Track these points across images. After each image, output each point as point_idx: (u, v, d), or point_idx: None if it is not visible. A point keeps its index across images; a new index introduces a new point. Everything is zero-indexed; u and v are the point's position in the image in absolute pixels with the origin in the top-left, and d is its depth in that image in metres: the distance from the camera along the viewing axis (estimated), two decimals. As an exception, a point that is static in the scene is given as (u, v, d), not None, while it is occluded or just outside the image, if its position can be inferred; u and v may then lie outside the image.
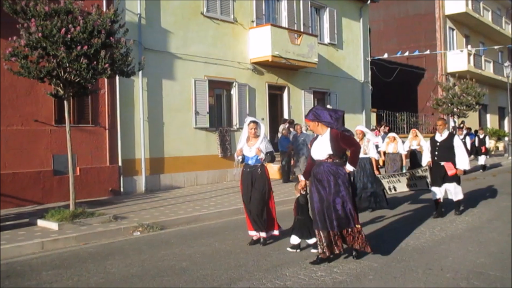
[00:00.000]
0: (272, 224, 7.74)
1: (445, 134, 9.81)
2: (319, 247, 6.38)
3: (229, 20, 17.32)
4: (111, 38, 9.71)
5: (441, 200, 9.72)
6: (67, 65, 9.15)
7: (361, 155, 9.64)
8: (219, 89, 17.26)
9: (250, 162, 7.69)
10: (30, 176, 11.80)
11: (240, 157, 7.73)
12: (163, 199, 12.58)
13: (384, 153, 13.85)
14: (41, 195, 11.92)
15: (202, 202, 12.04)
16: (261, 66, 18.35)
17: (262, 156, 7.55)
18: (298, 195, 7.09)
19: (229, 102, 17.50)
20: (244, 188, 7.75)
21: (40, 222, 9.17)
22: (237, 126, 17.20)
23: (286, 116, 19.25)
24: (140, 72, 12.74)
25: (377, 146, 13.36)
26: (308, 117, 6.52)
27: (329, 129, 6.41)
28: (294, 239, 7.06)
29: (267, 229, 7.61)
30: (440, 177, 9.64)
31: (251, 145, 7.66)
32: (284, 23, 19.45)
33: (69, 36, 9.04)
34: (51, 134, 12.22)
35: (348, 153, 6.55)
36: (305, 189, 7.00)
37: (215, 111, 17.05)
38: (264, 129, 7.95)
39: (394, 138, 13.71)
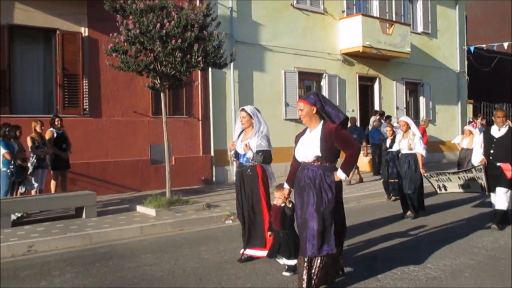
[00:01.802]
0: (259, 241, 6.18)
1: (504, 129, 7.95)
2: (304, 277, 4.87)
3: (319, 11, 17.20)
4: (204, 31, 9.98)
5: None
6: (163, 58, 9.54)
7: (406, 150, 9.08)
8: (309, 80, 17.23)
9: (241, 160, 6.35)
10: (130, 164, 12.45)
11: (232, 152, 6.43)
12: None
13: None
14: (139, 183, 12.55)
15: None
16: (352, 57, 18.08)
17: (249, 154, 6.11)
18: (281, 204, 5.69)
19: (319, 93, 17.38)
20: (236, 191, 6.48)
21: (139, 208, 9.66)
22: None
23: (377, 107, 18.84)
24: (232, 64, 13.00)
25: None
26: (307, 99, 4.99)
27: (322, 122, 4.96)
28: (288, 260, 5.67)
29: (249, 246, 6.26)
30: (497, 180, 7.88)
31: (245, 139, 6.27)
32: (375, 12, 19.01)
33: (164, 31, 9.41)
34: (148, 125, 12.81)
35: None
36: (289, 198, 5.60)
37: (305, 102, 16.99)
38: (262, 120, 6.27)
39: (470, 132, 12.58)
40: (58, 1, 11.51)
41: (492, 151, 7.95)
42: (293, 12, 16.43)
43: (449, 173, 8.97)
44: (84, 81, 11.94)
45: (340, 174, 4.83)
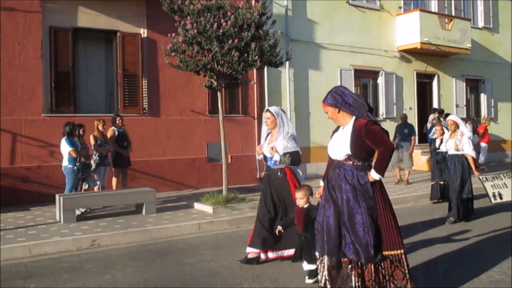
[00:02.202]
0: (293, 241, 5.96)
1: None
2: (319, 275, 4.71)
3: (375, 8, 16.96)
4: (259, 30, 10.05)
5: None
6: (220, 58, 9.67)
7: (453, 151, 8.56)
8: (365, 78, 17.03)
9: (269, 163, 6.15)
10: (187, 162, 12.69)
11: (261, 156, 6.28)
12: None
13: None
14: (196, 180, 12.77)
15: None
16: (409, 54, 17.72)
17: (276, 157, 5.95)
18: (306, 205, 5.46)
19: (375, 92, 17.18)
20: (261, 194, 6.32)
21: (197, 205, 9.83)
22: (384, 116, 16.85)
23: (435, 105, 18.38)
24: (287, 63, 13.01)
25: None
26: (326, 100, 4.62)
27: (353, 118, 4.54)
28: (308, 265, 5.35)
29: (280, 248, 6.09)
30: None
31: (272, 142, 6.09)
32: (434, 7, 18.55)
33: (221, 30, 9.53)
34: (205, 124, 13.01)
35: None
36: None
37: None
38: (290, 121, 6.11)
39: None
40: (118, 4, 11.88)
41: None
42: (349, 9, 16.27)
43: (504, 176, 8.18)
44: (143, 81, 12.27)
45: (373, 175, 4.43)
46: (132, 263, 6.34)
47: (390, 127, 16.87)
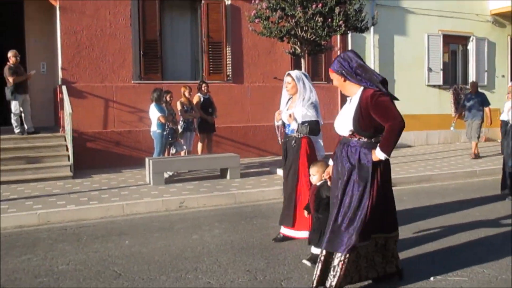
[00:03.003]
0: (287, 219, 5.60)
1: None
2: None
3: (468, -32, 16.05)
4: (345, -5, 9.83)
5: None
6: (304, 24, 9.56)
7: None
8: (454, 44, 16.25)
9: (287, 130, 5.74)
10: (270, 129, 12.74)
11: (280, 122, 5.86)
12: (393, 157, 12.41)
13: None
14: (278, 147, 12.78)
15: (434, 162, 11.66)
16: (503, 18, 16.66)
17: (294, 125, 5.47)
18: (319, 183, 4.85)
19: (465, 58, 16.39)
20: (282, 164, 5.98)
21: (279, 171, 9.90)
22: (474, 83, 16.06)
23: (531, 72, 17.29)
24: (372, 29, 12.65)
25: None
26: (332, 66, 4.17)
27: (361, 89, 4.04)
28: (314, 248, 4.85)
29: (288, 224, 5.63)
30: None
31: (291, 108, 5.61)
32: (533, -34, 17.27)
33: (304, -4, 9.41)
34: (288, 91, 12.98)
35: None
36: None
37: (450, 67, 16.14)
38: (313, 87, 5.59)
39: None
40: (203, -28, 11.99)
41: None
42: (438, -29, 15.49)
43: None
44: (227, 49, 12.39)
45: (378, 153, 3.93)
46: (218, 225, 6.54)
47: (480, 95, 16.14)
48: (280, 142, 6.02)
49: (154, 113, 9.46)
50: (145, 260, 5.10)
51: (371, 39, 14.14)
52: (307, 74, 5.72)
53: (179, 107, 10.14)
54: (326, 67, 13.48)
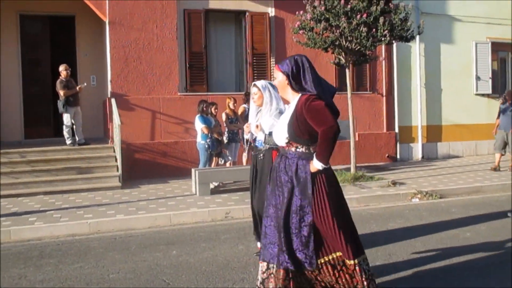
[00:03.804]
0: None
1: None
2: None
3: (517, -26, 15.64)
4: (389, 4, 9.77)
5: None
6: (348, 34, 9.55)
7: None
8: (503, 51, 15.81)
9: (256, 142, 5.39)
10: (314, 140, 12.75)
11: (248, 136, 5.54)
12: (441, 168, 12.26)
13: None
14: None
15: (483, 173, 11.36)
16: (555, 23, 16.17)
17: (260, 136, 5.19)
18: None
19: (515, 66, 15.96)
20: (249, 178, 5.64)
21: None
22: (525, 91, 15.61)
23: None
24: (417, 38, 12.50)
25: None
26: (282, 64, 3.91)
27: (300, 94, 3.82)
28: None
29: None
30: None
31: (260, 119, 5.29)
32: None
33: (349, 6, 9.41)
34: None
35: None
36: None
37: (499, 75, 15.73)
38: (279, 95, 5.10)
39: None
40: (247, -15, 12.15)
41: None
42: (486, -23, 15.17)
43: None
44: (271, 60, 12.47)
45: (315, 163, 3.68)
46: (264, 236, 6.55)
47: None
48: (246, 155, 5.92)
49: (198, 125, 9.62)
50: (192, 270, 5.18)
51: (416, 48, 13.94)
52: (273, 84, 5.13)
53: (224, 118, 10.26)
54: (371, 77, 13.40)
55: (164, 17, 11.47)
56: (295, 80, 3.79)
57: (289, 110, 3.87)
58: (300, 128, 3.73)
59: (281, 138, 3.88)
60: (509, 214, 7.18)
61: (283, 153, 3.91)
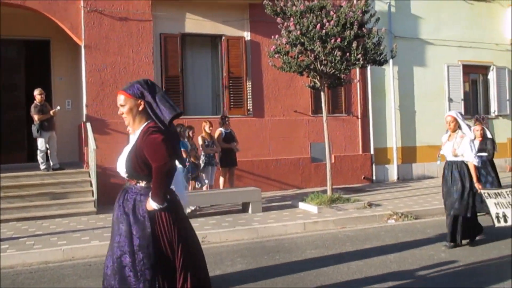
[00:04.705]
0: None
1: None
2: None
3: (485, -1, 16.12)
4: (363, 28, 9.94)
5: None
6: (323, 58, 9.69)
7: (451, 157, 6.78)
8: (474, 74, 16.22)
9: None
10: (291, 162, 12.82)
11: None
12: (416, 188, 12.40)
13: None
14: (300, 180, 12.86)
15: (457, 192, 11.51)
16: (523, 46, 16.64)
17: None
18: None
19: (486, 88, 16.31)
20: None
21: (301, 205, 9.92)
22: (496, 113, 15.98)
23: (554, 101, 17.10)
24: (391, 61, 12.75)
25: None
26: (131, 89, 3.56)
27: (146, 123, 3.56)
28: None
29: None
30: None
31: None
32: (552, -5, 17.26)
33: (324, 31, 9.55)
34: (308, 124, 13.07)
35: None
36: None
37: (471, 97, 16.09)
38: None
39: None
40: (223, 9, 12.28)
41: None
42: (456, 2, 15.55)
43: (508, 193, 6.52)
44: (247, 83, 12.56)
45: (151, 203, 3.42)
46: (241, 260, 6.53)
47: (502, 124, 16.04)
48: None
49: (176, 149, 9.57)
50: (168, 297, 5.11)
51: (390, 70, 14.20)
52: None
53: (200, 142, 10.26)
54: (346, 100, 13.58)
55: (140, 41, 11.50)
56: (149, 105, 3.52)
57: (132, 141, 3.56)
58: (139, 163, 3.46)
59: (121, 171, 3.60)
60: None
61: (126, 186, 3.65)
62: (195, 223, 8.47)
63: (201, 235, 7.82)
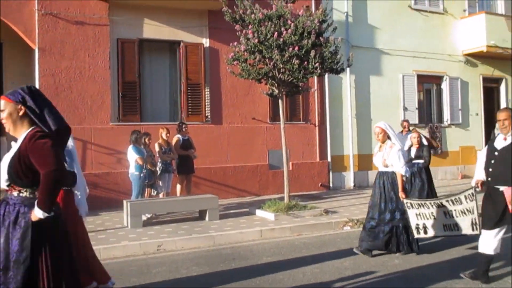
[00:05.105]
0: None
1: (510, 137, 5.44)
2: None
3: (438, 11, 16.56)
4: (320, 37, 10.05)
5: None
6: (281, 66, 9.75)
7: (382, 168, 6.87)
8: (428, 83, 16.63)
9: None
10: (249, 169, 12.83)
11: None
12: (355, 198, 12.53)
13: None
14: (258, 187, 12.88)
15: (411, 199, 11.75)
16: (475, 58, 17.17)
17: None
18: None
19: (439, 97, 16.75)
20: None
21: (258, 212, 9.92)
22: (448, 122, 16.42)
23: (504, 110, 17.69)
24: (348, 70, 12.96)
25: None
26: (13, 95, 3.51)
27: (30, 129, 3.43)
28: None
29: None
30: (497, 213, 5.39)
31: None
32: (501, 9, 17.88)
33: (281, 39, 9.61)
34: (266, 131, 13.12)
35: None
36: None
37: (425, 106, 16.50)
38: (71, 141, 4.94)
39: None
40: (181, 15, 12.22)
41: (491, 169, 5.49)
42: (411, 13, 15.98)
43: (432, 204, 6.42)
44: (206, 90, 12.52)
45: (36, 212, 3.24)
46: (196, 268, 6.48)
47: (455, 133, 16.49)
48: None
49: (132, 155, 9.45)
50: (121, 307, 5.03)
51: (347, 79, 14.42)
52: None
53: (157, 148, 10.15)
54: (304, 108, 13.70)
55: (96, 45, 11.32)
56: (32, 111, 3.40)
57: (14, 147, 3.41)
58: (23, 169, 3.29)
59: (2, 181, 3.39)
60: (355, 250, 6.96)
61: (6, 197, 3.42)
62: (150, 231, 8.41)
63: (157, 243, 7.74)
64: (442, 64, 16.47)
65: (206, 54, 12.56)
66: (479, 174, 5.72)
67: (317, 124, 13.88)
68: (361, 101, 14.78)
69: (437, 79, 16.61)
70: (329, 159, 14.01)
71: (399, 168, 6.65)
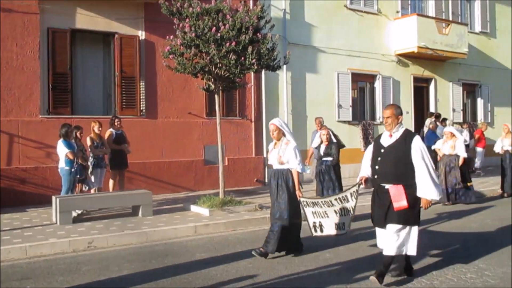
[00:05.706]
0: None
1: (398, 132, 5.76)
2: None
3: (373, 12, 17.01)
4: (257, 34, 10.07)
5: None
6: (218, 61, 9.69)
7: (277, 165, 6.71)
8: (362, 82, 17.07)
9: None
10: (184, 164, 12.70)
11: None
12: (306, 191, 12.69)
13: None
14: (193, 183, 12.78)
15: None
16: (406, 58, 17.78)
17: None
18: None
19: (373, 95, 17.24)
20: None
21: (193, 208, 9.84)
22: (381, 119, 16.89)
23: (432, 109, 18.45)
24: (285, 66, 13.04)
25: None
26: None
27: None
28: None
29: None
30: (383, 211, 5.44)
31: None
32: (431, 12, 18.59)
33: (219, 34, 9.56)
34: (202, 126, 13.03)
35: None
36: None
37: (358, 104, 16.91)
38: None
39: (453, 135, 11.18)
40: (116, 6, 11.90)
41: (377, 167, 5.57)
42: (347, 13, 16.32)
43: (324, 202, 6.44)
44: (141, 83, 12.28)
45: None
46: (128, 266, 6.34)
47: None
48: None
49: (62, 150, 9.12)
50: (47, 307, 4.84)
51: (284, 76, 14.55)
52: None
53: (88, 142, 9.86)
54: (240, 103, 13.71)
55: (25, 35, 10.84)
56: None
57: None
58: None
59: None
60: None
61: None
62: (80, 227, 8.17)
63: (87, 240, 7.53)
64: (375, 63, 16.93)
65: (142, 47, 12.31)
66: (364, 171, 5.84)
67: (253, 120, 13.93)
68: (297, 98, 14.96)
69: (371, 78, 17.06)
70: (264, 155, 14.08)
71: (296, 165, 6.56)
